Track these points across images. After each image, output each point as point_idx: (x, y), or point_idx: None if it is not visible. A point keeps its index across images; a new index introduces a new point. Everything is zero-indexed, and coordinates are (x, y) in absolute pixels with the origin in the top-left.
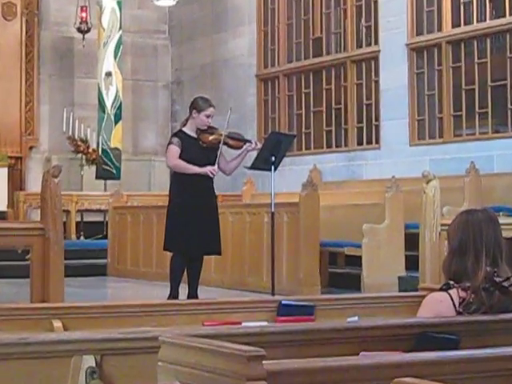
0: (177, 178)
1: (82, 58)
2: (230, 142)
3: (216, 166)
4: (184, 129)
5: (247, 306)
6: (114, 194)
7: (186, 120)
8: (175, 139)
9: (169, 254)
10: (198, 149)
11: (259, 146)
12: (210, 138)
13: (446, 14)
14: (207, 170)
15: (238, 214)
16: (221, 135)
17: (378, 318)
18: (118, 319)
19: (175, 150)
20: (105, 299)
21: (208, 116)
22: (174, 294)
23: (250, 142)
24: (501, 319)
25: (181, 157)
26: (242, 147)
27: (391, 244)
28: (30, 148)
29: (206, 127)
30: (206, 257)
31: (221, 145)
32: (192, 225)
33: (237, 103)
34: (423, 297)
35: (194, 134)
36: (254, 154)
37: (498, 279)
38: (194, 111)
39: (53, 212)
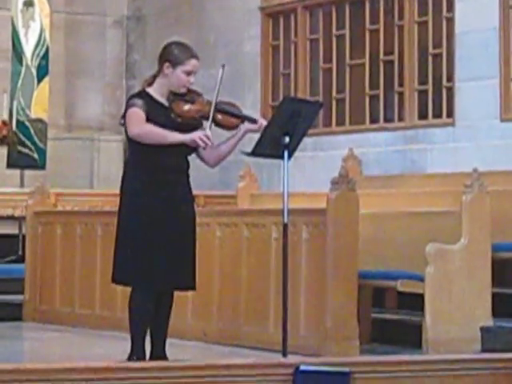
0: (134, 167)
1: None
2: (220, 117)
3: (208, 131)
4: (149, 90)
5: (246, 372)
6: (36, 191)
7: (153, 77)
8: (139, 101)
9: (121, 290)
10: (169, 123)
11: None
12: (190, 108)
13: None
14: (197, 134)
15: (231, 226)
16: (207, 106)
17: None
18: None
19: (140, 113)
20: (20, 360)
21: (189, 73)
22: (137, 353)
23: (252, 120)
24: None
25: None
26: (237, 126)
27: (471, 276)
28: None
29: (184, 90)
30: (177, 293)
31: (210, 122)
32: (160, 243)
33: (229, 52)
34: None
35: (163, 100)
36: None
37: None
38: (167, 64)
39: None
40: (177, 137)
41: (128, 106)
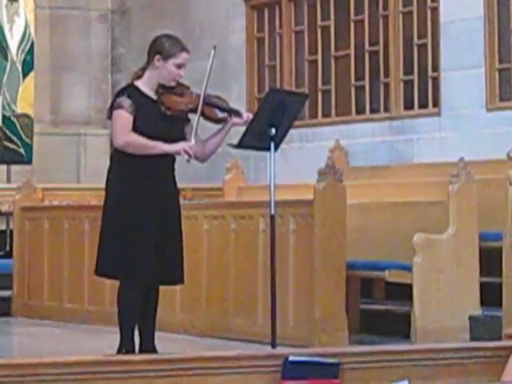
0: (119, 161)
1: None
2: (208, 111)
3: (193, 142)
4: (138, 83)
5: (234, 364)
6: (23, 187)
7: (142, 70)
8: (126, 101)
9: (110, 284)
10: (159, 118)
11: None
12: (179, 101)
13: None
14: (181, 146)
15: (218, 218)
16: (196, 98)
17: None
18: None
19: (127, 118)
20: (8, 355)
21: (180, 66)
22: (126, 346)
23: (238, 113)
24: None
25: (133, 129)
26: (225, 120)
27: (459, 265)
28: None
29: (174, 83)
30: (163, 288)
31: (198, 115)
32: (147, 237)
33: (214, 44)
34: (510, 349)
35: (152, 94)
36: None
37: None
38: (158, 57)
39: None
40: (164, 148)
41: (115, 105)
